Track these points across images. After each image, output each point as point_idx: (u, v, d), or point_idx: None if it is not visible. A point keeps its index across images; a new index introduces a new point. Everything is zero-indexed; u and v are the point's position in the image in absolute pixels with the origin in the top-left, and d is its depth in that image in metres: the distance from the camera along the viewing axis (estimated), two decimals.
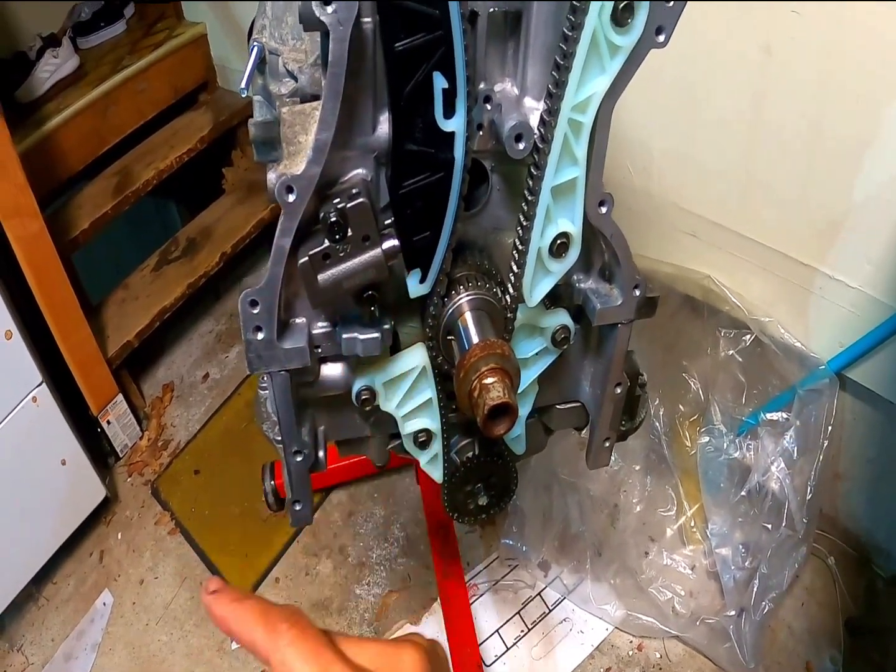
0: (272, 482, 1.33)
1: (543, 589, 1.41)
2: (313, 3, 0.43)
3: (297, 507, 0.68)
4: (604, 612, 1.34)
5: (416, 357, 0.63)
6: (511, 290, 0.59)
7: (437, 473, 0.73)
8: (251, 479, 1.42)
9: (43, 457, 1.40)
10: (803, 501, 1.25)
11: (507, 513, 1.41)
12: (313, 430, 0.68)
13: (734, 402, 1.36)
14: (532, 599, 1.40)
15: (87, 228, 1.60)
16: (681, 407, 1.39)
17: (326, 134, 0.48)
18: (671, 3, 0.48)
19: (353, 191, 0.50)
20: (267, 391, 0.66)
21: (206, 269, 1.81)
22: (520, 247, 0.56)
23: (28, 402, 1.32)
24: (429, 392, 0.65)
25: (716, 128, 1.19)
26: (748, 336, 1.31)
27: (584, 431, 0.78)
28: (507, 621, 1.38)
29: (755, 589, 1.26)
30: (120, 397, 1.65)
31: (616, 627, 1.35)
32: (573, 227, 0.56)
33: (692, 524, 1.39)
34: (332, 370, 0.63)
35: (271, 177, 0.53)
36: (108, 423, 1.65)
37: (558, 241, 0.56)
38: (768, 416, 1.29)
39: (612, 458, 0.78)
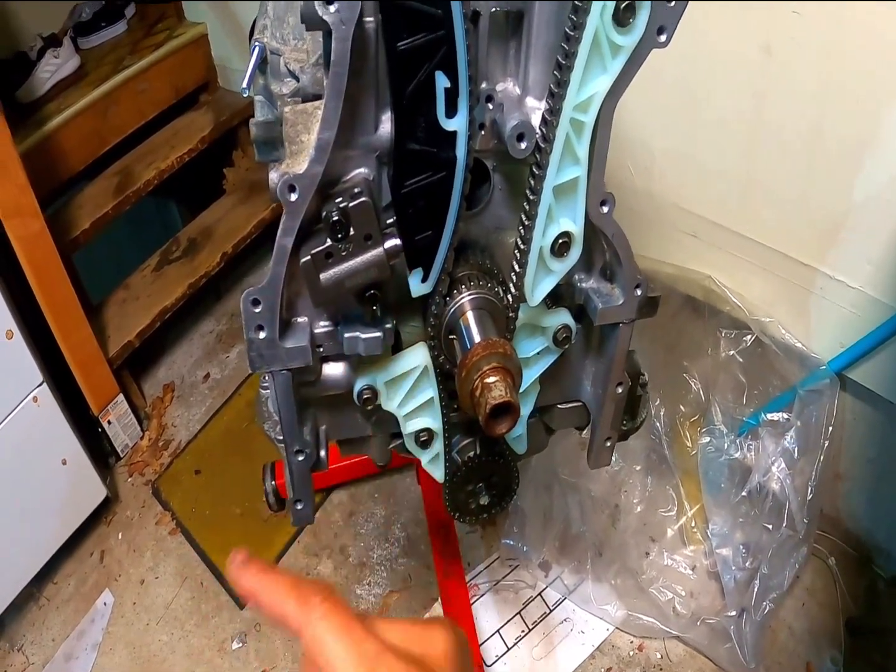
0: (273, 482, 1.34)
1: (544, 589, 1.41)
2: (316, 2, 0.43)
3: (299, 507, 0.68)
4: (604, 612, 1.34)
5: (417, 356, 0.63)
6: (513, 290, 0.59)
7: (438, 473, 0.73)
8: (252, 479, 1.43)
9: (44, 456, 1.40)
10: (804, 502, 1.25)
11: (507, 513, 1.41)
12: (315, 430, 0.68)
13: (735, 403, 1.36)
14: (533, 600, 1.40)
15: (88, 228, 1.60)
16: (682, 407, 1.39)
17: (329, 133, 0.48)
18: (672, 3, 0.48)
19: (356, 190, 0.51)
20: (268, 390, 0.66)
21: (206, 269, 1.81)
22: (521, 246, 0.56)
23: (29, 402, 1.32)
24: (430, 391, 0.65)
25: (716, 128, 1.19)
26: (749, 336, 1.31)
27: (584, 431, 0.78)
28: (508, 621, 1.38)
29: (756, 589, 1.26)
30: (121, 397, 1.65)
31: (617, 628, 1.35)
32: (575, 226, 0.56)
33: (693, 524, 1.39)
34: (334, 369, 0.63)
35: (274, 176, 0.53)
36: (109, 422, 1.65)
37: (560, 241, 0.56)
38: (769, 416, 1.29)
39: (613, 458, 0.78)
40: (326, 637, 0.33)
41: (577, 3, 0.46)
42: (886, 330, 1.12)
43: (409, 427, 0.67)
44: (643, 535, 1.38)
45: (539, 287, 0.59)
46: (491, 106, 0.53)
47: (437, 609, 1.40)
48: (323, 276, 0.51)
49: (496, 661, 1.34)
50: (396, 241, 0.52)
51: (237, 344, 1.96)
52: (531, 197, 0.54)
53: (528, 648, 1.35)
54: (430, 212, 0.53)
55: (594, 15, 0.46)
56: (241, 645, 1.41)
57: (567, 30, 0.47)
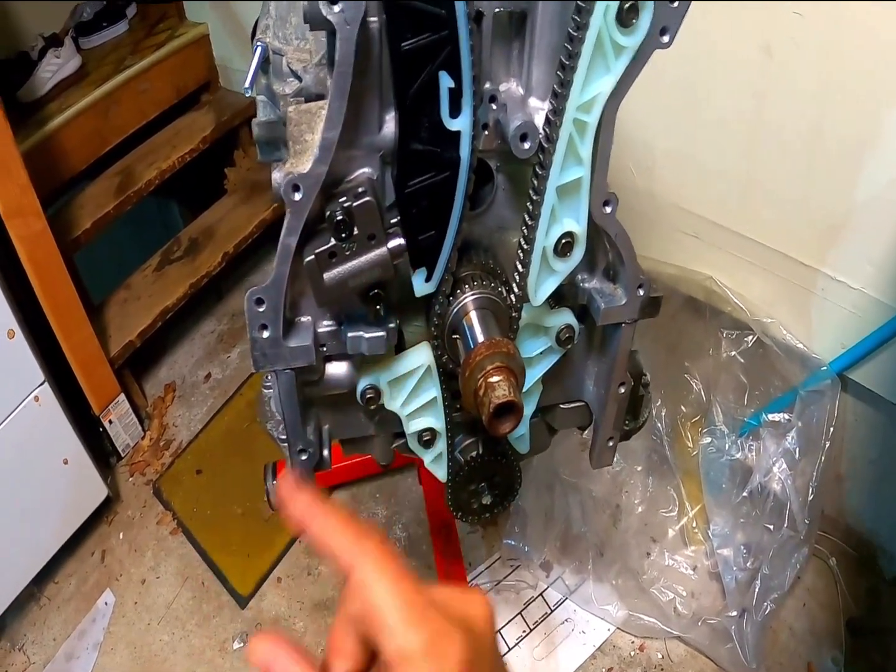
0: (274, 482, 1.33)
1: (545, 589, 1.41)
2: (320, 2, 0.43)
3: None
4: (606, 612, 1.34)
5: (421, 356, 0.63)
6: (516, 290, 0.59)
7: (441, 472, 0.73)
8: (253, 479, 1.42)
9: (45, 456, 1.41)
10: (805, 502, 1.25)
11: (509, 513, 1.41)
12: (318, 429, 0.68)
13: (736, 403, 1.36)
14: (534, 600, 1.40)
15: (90, 228, 1.60)
16: (683, 408, 1.39)
17: (333, 133, 0.48)
18: (675, 4, 0.48)
19: (359, 190, 0.51)
20: (271, 390, 0.66)
21: (208, 269, 1.81)
22: (525, 246, 0.56)
23: (30, 402, 1.33)
24: (433, 391, 0.66)
25: (717, 128, 1.19)
26: (750, 337, 1.31)
27: (586, 431, 0.78)
28: (509, 621, 1.38)
29: (757, 590, 1.26)
30: (122, 397, 1.65)
31: (618, 628, 1.35)
32: (578, 226, 0.56)
33: (694, 525, 1.39)
34: (337, 369, 0.63)
35: (277, 176, 0.53)
36: (110, 422, 1.65)
37: (563, 241, 0.56)
38: (770, 416, 1.29)
39: (615, 458, 0.78)
40: (377, 582, 0.32)
41: (580, 3, 0.46)
42: (888, 331, 1.12)
43: (412, 427, 0.67)
44: (644, 535, 1.38)
45: (542, 287, 0.59)
46: (494, 106, 0.53)
47: None
48: (327, 275, 0.52)
49: None
50: (400, 241, 0.52)
51: (238, 344, 1.96)
52: (534, 197, 0.54)
53: (529, 648, 1.35)
54: (433, 212, 0.53)
55: (597, 15, 0.46)
56: (242, 645, 1.41)
57: (570, 30, 0.47)
